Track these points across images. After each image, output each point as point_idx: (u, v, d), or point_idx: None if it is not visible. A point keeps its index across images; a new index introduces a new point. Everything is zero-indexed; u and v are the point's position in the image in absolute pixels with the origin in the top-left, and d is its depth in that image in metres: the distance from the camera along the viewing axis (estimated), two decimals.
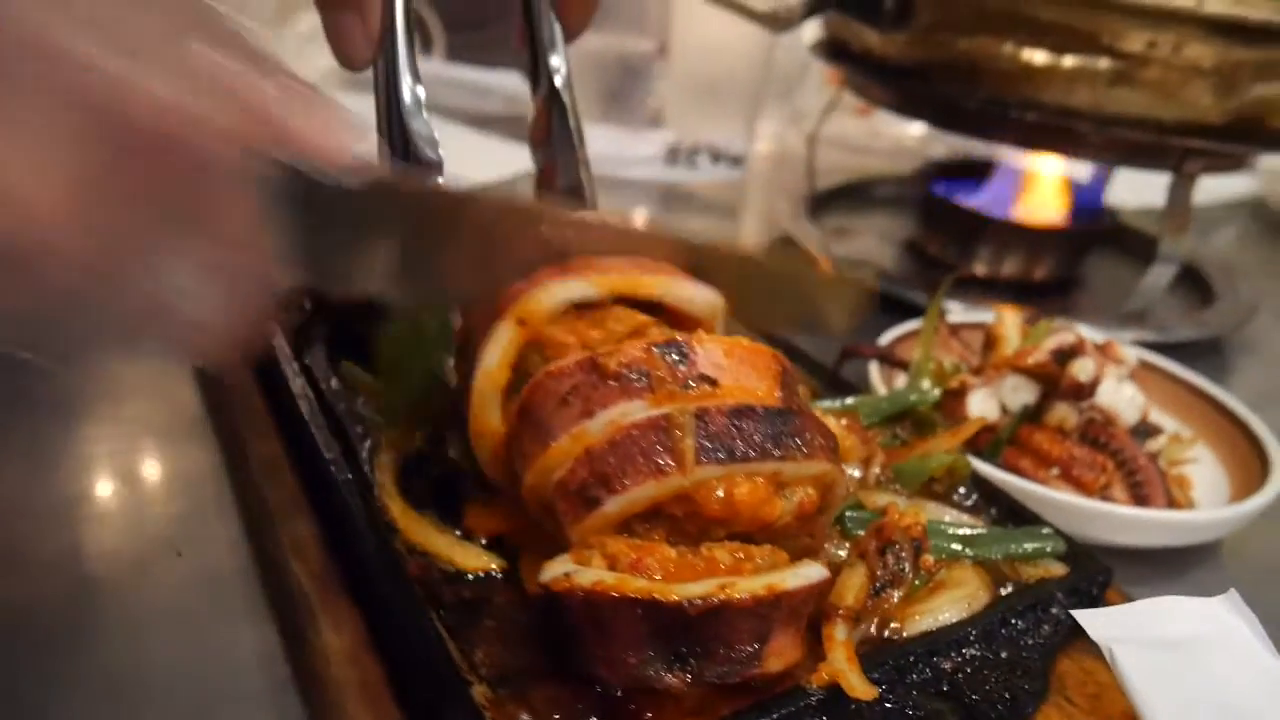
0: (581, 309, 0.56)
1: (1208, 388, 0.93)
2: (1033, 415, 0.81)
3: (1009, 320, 0.87)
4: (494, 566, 0.56)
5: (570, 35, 0.71)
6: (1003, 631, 0.57)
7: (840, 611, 0.53)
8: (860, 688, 0.48)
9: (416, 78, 0.59)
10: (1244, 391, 0.95)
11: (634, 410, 0.49)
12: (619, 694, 0.48)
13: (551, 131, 0.73)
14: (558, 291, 0.55)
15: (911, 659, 0.53)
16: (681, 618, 0.45)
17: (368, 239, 0.50)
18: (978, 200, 1.30)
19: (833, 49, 1.31)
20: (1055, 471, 0.78)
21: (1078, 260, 1.34)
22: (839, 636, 0.51)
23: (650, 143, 1.64)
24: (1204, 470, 0.87)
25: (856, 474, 0.67)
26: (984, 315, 1.00)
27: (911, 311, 1.09)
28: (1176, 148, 1.06)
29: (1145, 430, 0.84)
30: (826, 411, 0.70)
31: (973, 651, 0.55)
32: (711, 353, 0.51)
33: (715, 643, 0.46)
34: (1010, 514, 0.67)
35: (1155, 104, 1.02)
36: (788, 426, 0.49)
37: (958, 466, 0.68)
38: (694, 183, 1.65)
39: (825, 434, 0.52)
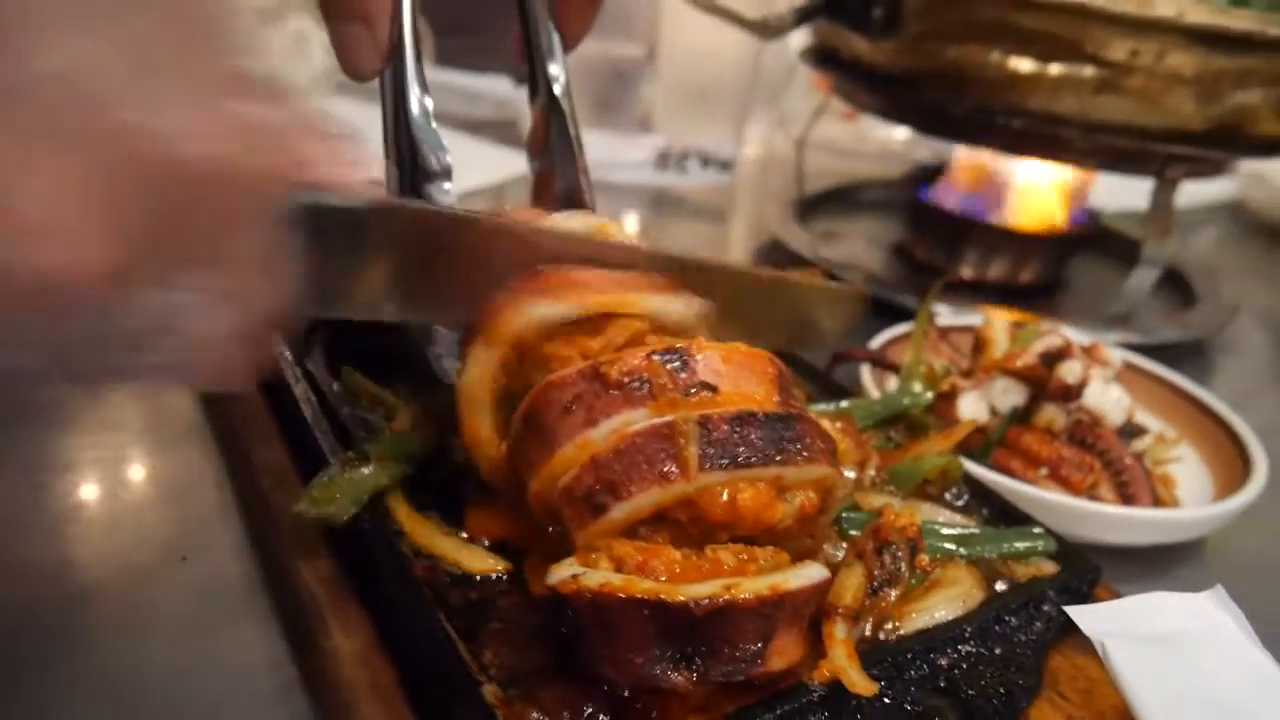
0: (577, 321, 0.57)
1: (1191, 389, 0.95)
2: (1022, 417, 0.83)
3: (998, 323, 0.89)
4: (500, 569, 0.57)
5: (569, 44, 0.72)
6: (997, 628, 0.58)
7: (839, 610, 0.54)
8: (861, 684, 0.49)
9: (424, 88, 0.60)
10: (1226, 392, 0.97)
11: (637, 418, 0.50)
12: (626, 693, 0.49)
13: (550, 139, 0.73)
14: (533, 312, 0.55)
15: (909, 656, 0.54)
16: (687, 618, 0.46)
17: (370, 261, 0.51)
18: (962, 204, 1.32)
19: (822, 56, 1.32)
20: (1044, 472, 0.80)
21: (1063, 264, 1.36)
22: (839, 634, 0.53)
23: (641, 147, 1.65)
24: (1188, 469, 0.89)
25: (852, 476, 0.68)
26: (972, 318, 1.02)
27: (900, 315, 1.11)
28: (1159, 154, 1.08)
29: (1131, 431, 0.86)
30: (822, 415, 0.71)
31: (968, 648, 0.56)
32: (710, 359, 0.53)
33: (720, 642, 0.47)
34: (1001, 514, 0.68)
35: (1138, 111, 1.04)
36: (788, 431, 0.51)
37: (951, 468, 0.70)
38: (684, 187, 1.66)
39: (824, 438, 0.53)
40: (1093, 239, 1.40)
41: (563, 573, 0.48)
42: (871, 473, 0.69)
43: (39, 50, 0.32)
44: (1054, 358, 0.82)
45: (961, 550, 0.63)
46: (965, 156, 1.33)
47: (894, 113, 1.27)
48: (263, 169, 0.38)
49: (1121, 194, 1.49)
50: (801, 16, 1.17)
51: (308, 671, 0.57)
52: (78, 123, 0.33)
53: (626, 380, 0.51)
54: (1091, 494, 0.79)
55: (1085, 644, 0.59)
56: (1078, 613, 0.50)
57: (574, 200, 0.73)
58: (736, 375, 0.53)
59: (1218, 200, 1.94)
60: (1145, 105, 1.04)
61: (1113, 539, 0.76)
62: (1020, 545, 0.63)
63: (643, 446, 0.49)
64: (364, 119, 1.44)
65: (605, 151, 1.59)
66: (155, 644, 0.59)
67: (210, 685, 0.57)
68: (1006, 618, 0.59)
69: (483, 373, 0.56)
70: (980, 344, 0.89)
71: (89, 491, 0.72)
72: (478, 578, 0.57)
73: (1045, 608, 0.60)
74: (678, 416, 0.49)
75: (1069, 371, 0.80)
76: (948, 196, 1.33)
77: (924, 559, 0.59)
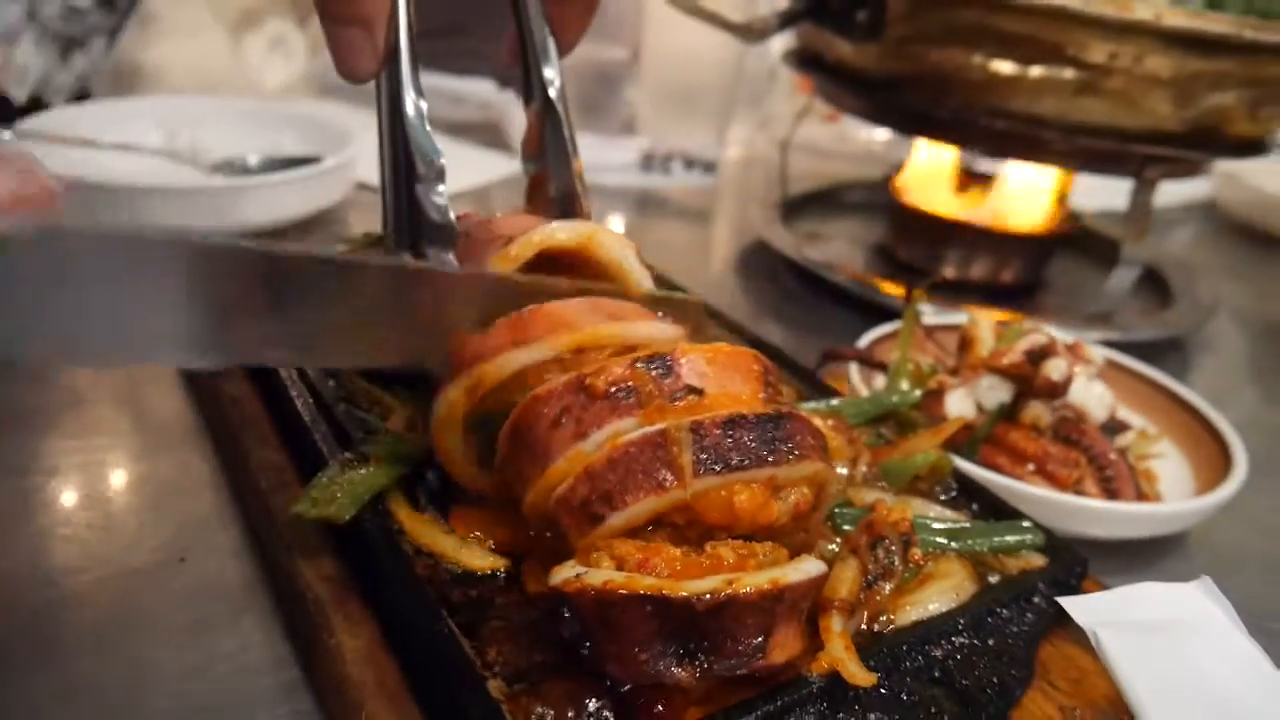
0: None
1: (1172, 385, 0.96)
2: (1008, 414, 0.84)
3: (983, 322, 0.90)
4: (500, 567, 0.58)
5: (564, 48, 0.73)
6: (989, 620, 0.59)
7: (836, 604, 0.55)
8: (859, 675, 0.50)
9: (420, 92, 0.60)
10: (1203, 388, 0.99)
11: (626, 427, 0.51)
12: (628, 688, 0.50)
13: (545, 142, 0.74)
14: (513, 361, 0.55)
15: (905, 647, 0.55)
16: (689, 613, 0.46)
17: (48, 294, 0.44)
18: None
19: (805, 59, 1.34)
20: (1030, 467, 0.81)
21: (1043, 263, 1.38)
22: (835, 627, 0.54)
23: (625, 149, 1.66)
24: (1168, 464, 0.90)
25: (844, 472, 0.69)
26: (957, 318, 1.03)
27: (884, 314, 1.12)
28: (1138, 154, 1.10)
29: (1114, 427, 0.88)
30: (813, 413, 0.72)
31: (962, 640, 0.57)
32: (694, 363, 0.53)
33: (722, 636, 0.48)
34: (990, 509, 0.70)
35: (1117, 113, 1.06)
36: (779, 431, 0.51)
37: (940, 464, 0.71)
38: (668, 189, 1.67)
39: (815, 433, 0.54)
40: (1072, 239, 1.42)
41: (565, 572, 0.48)
42: (863, 469, 0.70)
43: None
44: (1039, 355, 0.83)
45: (953, 544, 0.64)
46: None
47: (877, 115, 1.28)
48: None
49: (1100, 194, 1.51)
50: (785, 20, 1.18)
51: (311, 670, 0.57)
52: None
53: (612, 390, 0.52)
54: (1077, 489, 0.80)
55: (1074, 635, 0.61)
56: (1070, 603, 0.51)
57: (569, 202, 0.73)
58: (721, 376, 0.54)
59: (1192, 200, 1.97)
60: (1124, 107, 1.05)
61: (1098, 533, 0.77)
62: (1010, 539, 0.64)
63: (636, 456, 0.50)
64: (347, 120, 1.44)
65: (589, 153, 1.59)
66: (156, 646, 0.59)
67: (212, 686, 0.57)
68: (998, 610, 0.60)
69: (453, 411, 0.57)
70: (966, 342, 0.90)
71: (84, 494, 0.72)
72: (478, 575, 0.57)
73: (1035, 600, 0.62)
74: (669, 424, 0.50)
75: (1054, 369, 0.81)
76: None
77: (916, 553, 0.60)
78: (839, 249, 1.45)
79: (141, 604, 0.62)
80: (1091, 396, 0.84)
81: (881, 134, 2.03)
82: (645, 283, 0.66)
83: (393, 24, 0.58)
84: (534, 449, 0.53)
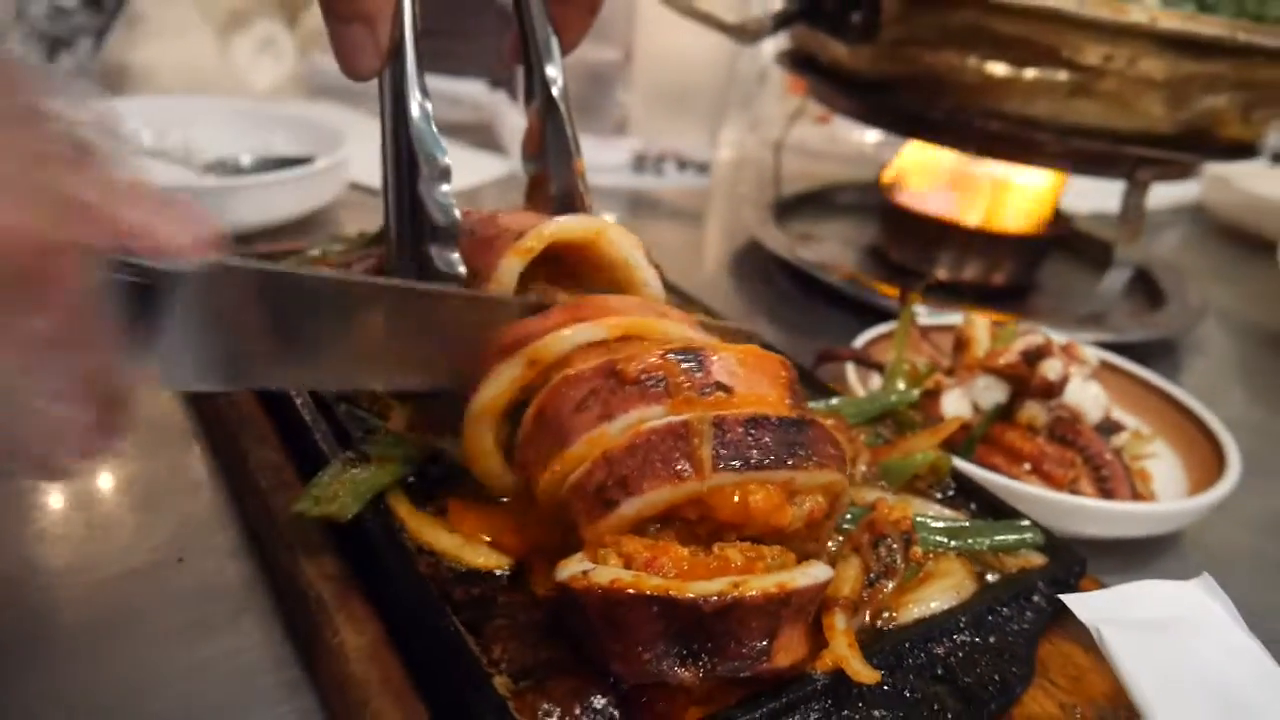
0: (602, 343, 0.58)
1: (1165, 386, 0.97)
2: (1004, 414, 0.85)
3: (979, 323, 0.91)
4: (502, 566, 0.57)
5: (566, 47, 0.73)
6: (990, 618, 0.60)
7: (839, 602, 0.55)
8: (864, 672, 0.51)
9: (424, 91, 0.60)
10: (1193, 389, 0.99)
11: (652, 415, 0.51)
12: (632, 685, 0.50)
13: (546, 141, 0.74)
14: (573, 336, 0.56)
15: (907, 645, 0.56)
16: (696, 614, 0.46)
17: (222, 327, 0.49)
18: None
19: (799, 60, 1.34)
20: (1027, 467, 0.81)
21: (1035, 265, 1.38)
22: (839, 625, 0.54)
23: (618, 150, 1.66)
24: (1161, 465, 0.91)
25: None
26: (952, 318, 1.03)
27: (877, 315, 1.13)
28: (1130, 156, 1.11)
29: (1108, 427, 0.88)
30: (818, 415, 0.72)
31: (963, 637, 0.58)
32: (726, 361, 0.54)
33: (727, 638, 0.48)
34: (988, 508, 0.70)
35: (1111, 115, 1.07)
36: (801, 437, 0.51)
37: (939, 463, 0.71)
38: (661, 189, 1.67)
39: (835, 444, 0.54)
40: (1063, 241, 1.43)
41: (573, 569, 0.48)
42: (863, 468, 0.70)
43: None
44: (1035, 356, 0.84)
45: (953, 543, 0.64)
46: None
47: (870, 116, 1.29)
48: (74, 238, 0.37)
49: (1091, 197, 1.52)
50: (780, 21, 1.19)
51: (313, 669, 0.57)
52: None
53: (643, 377, 0.52)
54: (1072, 489, 0.80)
55: (1073, 633, 0.62)
56: (1073, 600, 0.51)
57: (570, 202, 0.73)
58: (751, 377, 0.54)
59: (1180, 203, 1.98)
60: (1117, 109, 1.06)
61: (1094, 532, 0.78)
62: (1010, 538, 0.65)
63: (657, 444, 0.50)
64: (338, 121, 1.43)
65: (584, 154, 1.60)
66: (156, 646, 0.59)
67: (214, 685, 0.57)
68: (999, 608, 0.60)
69: (501, 392, 0.57)
70: (962, 343, 0.90)
71: (81, 495, 0.71)
72: (480, 573, 0.57)
73: (1035, 598, 0.62)
74: (693, 416, 0.50)
75: (1050, 369, 0.82)
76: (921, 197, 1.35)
77: (917, 551, 0.60)
78: (831, 250, 1.46)
79: (141, 604, 0.62)
80: (1087, 397, 0.85)
81: (872, 135, 2.04)
82: (653, 281, 0.66)
83: (397, 22, 0.58)
84: (557, 430, 0.53)
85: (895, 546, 0.59)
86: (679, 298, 0.96)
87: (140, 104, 1.41)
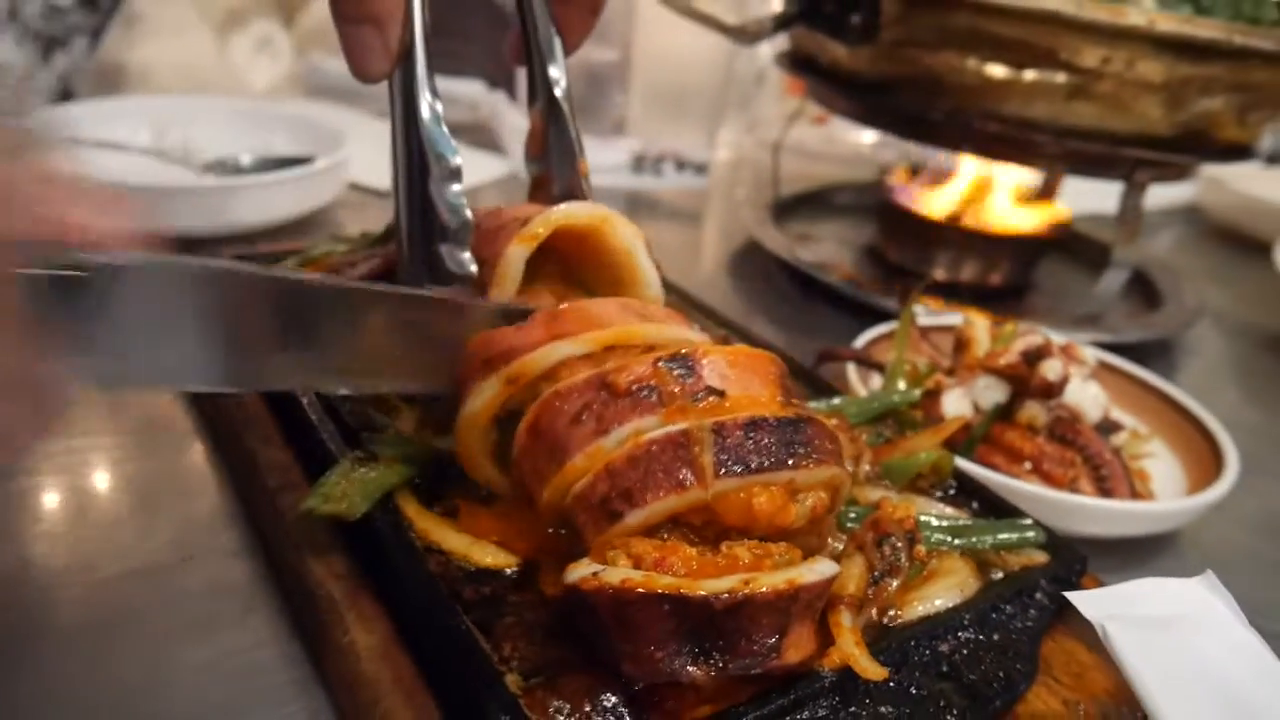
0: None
1: (1163, 386, 0.98)
2: (1004, 414, 0.85)
3: (979, 323, 0.91)
4: (511, 565, 0.58)
5: (569, 47, 0.73)
6: (994, 616, 0.60)
7: (844, 600, 0.56)
8: (871, 669, 0.51)
9: (435, 92, 0.60)
10: (1189, 389, 1.00)
11: (648, 425, 0.52)
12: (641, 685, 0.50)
13: (549, 141, 0.74)
14: (552, 354, 0.56)
15: (913, 643, 0.56)
16: (707, 612, 0.47)
17: (156, 324, 0.46)
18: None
19: (798, 61, 1.34)
20: (1027, 466, 0.82)
21: (1031, 266, 1.39)
22: (845, 623, 0.54)
23: (616, 150, 1.67)
24: (1159, 464, 0.92)
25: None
26: (951, 319, 1.04)
27: (875, 315, 1.13)
28: (1128, 158, 1.12)
29: (1107, 427, 0.89)
30: (815, 412, 0.73)
31: (968, 635, 0.58)
32: (716, 364, 0.54)
33: (738, 636, 0.48)
34: (989, 507, 0.71)
35: (1108, 116, 1.08)
36: (799, 435, 0.52)
37: (942, 463, 0.72)
38: (659, 190, 1.68)
39: (832, 439, 0.54)
40: (1060, 242, 1.44)
41: (582, 571, 0.49)
42: (866, 467, 0.71)
43: None
44: (1035, 356, 0.84)
45: (956, 541, 0.65)
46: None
47: (869, 117, 1.29)
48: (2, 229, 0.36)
49: (1088, 198, 1.53)
50: (780, 23, 1.19)
51: (323, 668, 0.57)
52: None
53: (635, 388, 0.52)
54: (1072, 488, 0.81)
55: (1075, 630, 0.62)
56: (1078, 598, 0.52)
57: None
58: (742, 378, 0.54)
59: (1173, 205, 1.99)
60: (1115, 111, 1.07)
61: (1094, 530, 0.78)
62: (1013, 536, 0.65)
63: (658, 454, 0.50)
64: (338, 121, 1.43)
65: None
66: (164, 645, 0.59)
67: (223, 684, 0.57)
68: (1002, 605, 0.61)
69: (484, 407, 0.58)
70: (962, 343, 0.91)
71: (88, 495, 0.72)
72: (489, 572, 0.57)
73: (1038, 596, 0.63)
74: (692, 424, 0.50)
75: (1050, 369, 0.83)
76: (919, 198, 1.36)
77: (921, 550, 0.60)
78: (829, 250, 1.46)
79: (149, 603, 0.62)
80: (1086, 397, 0.85)
81: (869, 136, 2.05)
82: (654, 278, 0.66)
83: (407, 24, 0.58)
84: (553, 445, 0.53)
85: (899, 545, 0.59)
86: (678, 297, 0.96)
87: (140, 104, 1.41)
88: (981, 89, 1.10)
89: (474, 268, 0.61)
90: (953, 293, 1.30)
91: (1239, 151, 1.16)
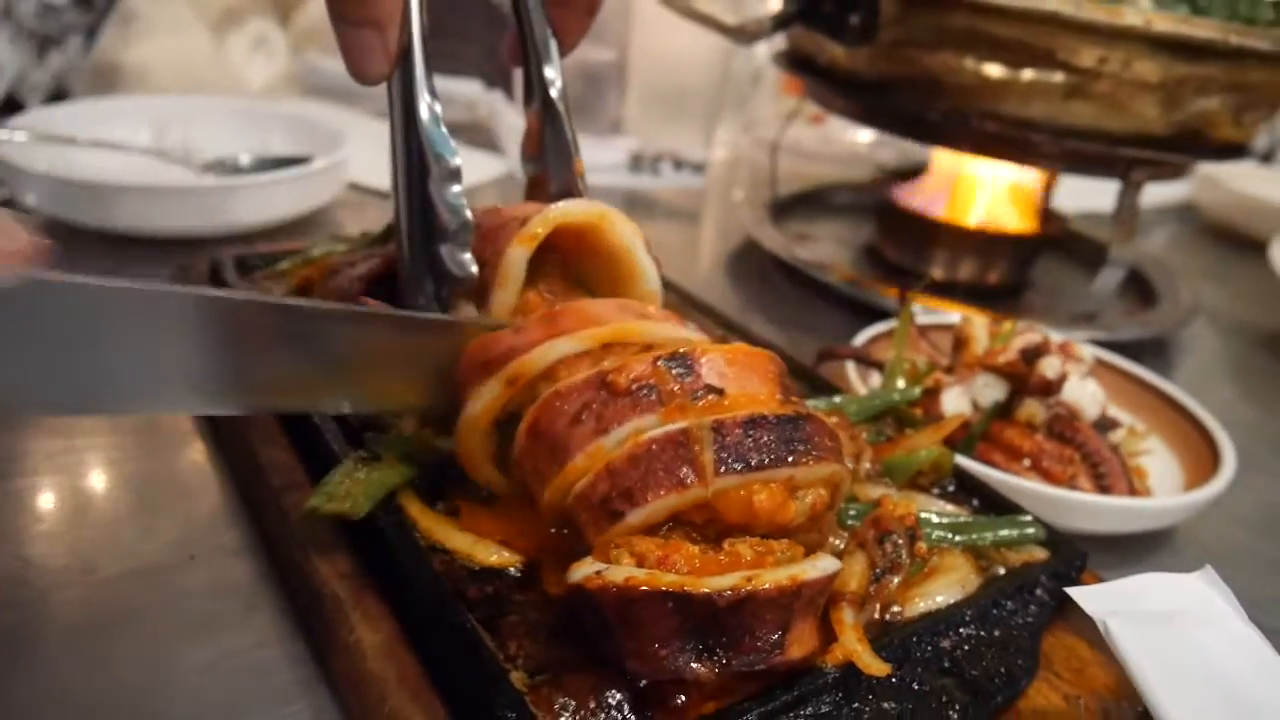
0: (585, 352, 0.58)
1: (1160, 383, 0.98)
2: (1002, 411, 0.86)
3: (978, 321, 0.92)
4: (515, 564, 0.58)
5: (565, 48, 0.73)
6: (995, 612, 0.61)
7: (846, 597, 0.56)
8: (874, 665, 0.51)
9: (434, 94, 0.61)
10: (1183, 387, 1.00)
11: (647, 424, 0.52)
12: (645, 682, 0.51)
13: (545, 142, 0.74)
14: (551, 352, 0.57)
15: (915, 639, 0.57)
16: (711, 609, 0.47)
17: (49, 346, 0.45)
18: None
19: (796, 61, 1.35)
20: (1026, 463, 0.82)
21: (1028, 264, 1.40)
22: (848, 620, 0.55)
23: (614, 150, 1.67)
24: (1156, 461, 0.92)
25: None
26: (948, 317, 1.05)
27: (872, 314, 1.14)
28: (1124, 157, 1.12)
29: (1105, 424, 0.89)
30: (814, 410, 0.73)
31: (969, 631, 0.59)
32: (715, 363, 0.54)
33: (741, 632, 0.49)
34: (989, 504, 0.71)
35: (1105, 116, 1.08)
36: (798, 433, 0.52)
37: (942, 460, 0.72)
38: (657, 189, 1.68)
39: (831, 436, 0.55)
40: (1056, 240, 1.44)
41: (586, 570, 0.49)
42: (867, 465, 0.71)
43: None
44: (1034, 354, 0.85)
45: (957, 538, 0.65)
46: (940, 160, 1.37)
47: (868, 117, 1.30)
48: None
49: (1083, 197, 1.53)
50: (779, 23, 1.20)
51: (328, 667, 0.57)
52: None
53: (634, 387, 0.52)
54: (1071, 485, 0.81)
55: (1075, 626, 0.63)
56: (1079, 594, 0.52)
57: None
58: (741, 376, 0.55)
59: (1167, 203, 2.00)
60: (1112, 110, 1.08)
61: (1093, 527, 0.79)
62: (1013, 533, 0.66)
63: (658, 453, 0.50)
64: (335, 120, 1.43)
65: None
66: (169, 644, 0.59)
67: (227, 683, 0.57)
68: (1003, 602, 0.61)
69: (485, 410, 0.58)
70: (961, 341, 0.91)
71: (90, 494, 0.72)
72: (493, 571, 0.57)
73: (1038, 592, 0.63)
74: (692, 422, 0.51)
75: (1049, 367, 0.83)
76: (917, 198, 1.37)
77: (922, 547, 0.61)
78: (827, 249, 1.46)
79: (150, 603, 0.62)
80: (1084, 394, 0.86)
81: (865, 136, 2.05)
82: (653, 274, 0.67)
83: (405, 25, 0.59)
84: (553, 445, 0.53)
85: (900, 542, 0.60)
86: (676, 296, 0.97)
87: (138, 103, 1.41)
88: (979, 89, 1.10)
89: (474, 268, 0.62)
90: (950, 291, 1.30)
91: (1234, 150, 1.17)
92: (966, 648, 0.58)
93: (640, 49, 1.66)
